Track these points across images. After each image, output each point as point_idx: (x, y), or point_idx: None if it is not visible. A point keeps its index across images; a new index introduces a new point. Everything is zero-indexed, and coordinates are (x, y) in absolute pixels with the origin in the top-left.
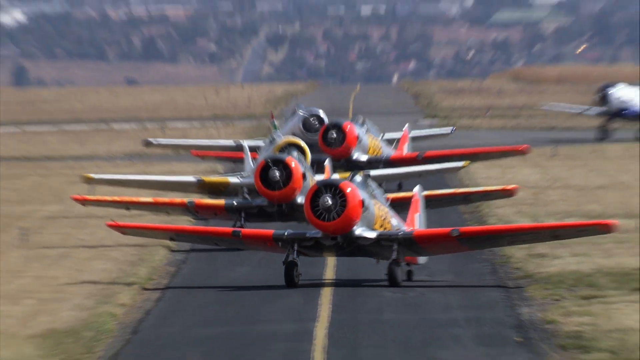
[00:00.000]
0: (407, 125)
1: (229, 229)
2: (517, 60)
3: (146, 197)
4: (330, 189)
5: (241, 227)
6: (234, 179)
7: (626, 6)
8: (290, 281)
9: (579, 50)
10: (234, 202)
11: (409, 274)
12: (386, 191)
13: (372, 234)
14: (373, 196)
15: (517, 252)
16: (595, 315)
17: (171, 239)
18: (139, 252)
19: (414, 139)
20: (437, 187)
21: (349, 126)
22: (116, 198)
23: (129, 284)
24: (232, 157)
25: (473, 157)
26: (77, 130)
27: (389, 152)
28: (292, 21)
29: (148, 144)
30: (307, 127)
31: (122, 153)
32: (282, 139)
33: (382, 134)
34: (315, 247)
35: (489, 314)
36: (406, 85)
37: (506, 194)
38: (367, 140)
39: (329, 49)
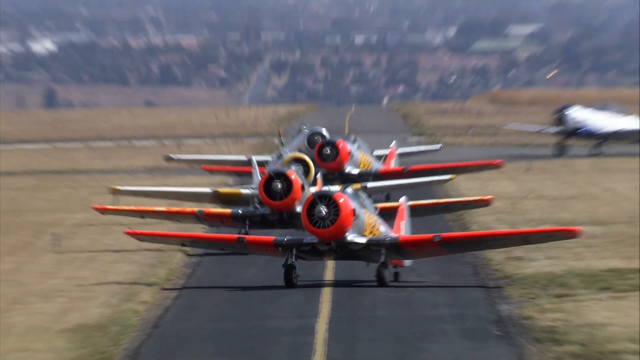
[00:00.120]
0: (394, 142)
1: (235, 236)
2: (494, 84)
3: (160, 207)
4: (324, 199)
5: (246, 233)
6: (245, 190)
7: (591, 37)
8: (290, 282)
9: (549, 75)
10: (239, 211)
11: (396, 275)
12: (375, 201)
13: (362, 240)
14: (363, 206)
15: (497, 256)
16: (567, 312)
17: (182, 245)
18: (158, 256)
19: (408, 154)
20: (424, 197)
21: (341, 143)
22: (132, 207)
23: (150, 284)
24: (238, 171)
25: (452, 170)
26: (102, 147)
27: (377, 166)
28: (293, 50)
29: (169, 159)
30: (311, 144)
31: (143, 167)
32: (289, 154)
33: (372, 150)
34: (312, 252)
35: (472, 310)
36: (396, 106)
37: (483, 203)
38: (358, 156)
39: (327, 74)
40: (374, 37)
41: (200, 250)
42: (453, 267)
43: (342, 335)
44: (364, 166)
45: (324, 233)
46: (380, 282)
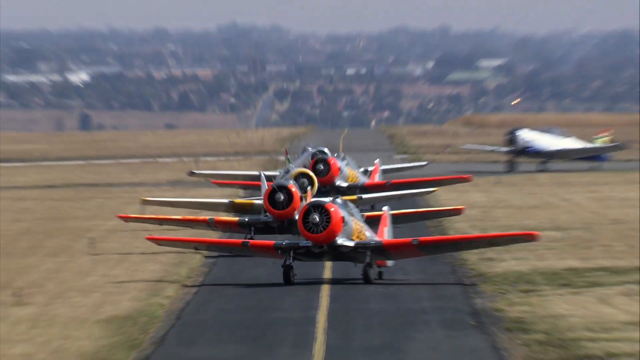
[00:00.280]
0: (377, 160)
1: (240, 240)
2: (466, 109)
3: (176, 216)
4: (317, 208)
5: (251, 238)
6: (257, 201)
7: (550, 69)
8: (288, 280)
9: (514, 102)
10: (246, 219)
11: (380, 274)
12: (362, 211)
13: (350, 243)
14: (351, 214)
15: (472, 257)
16: (533, 305)
17: (195, 249)
18: (180, 257)
19: (397, 169)
20: (406, 207)
21: (332, 160)
22: (152, 216)
23: (173, 281)
24: (245, 185)
25: (429, 184)
26: (130, 163)
27: (364, 180)
28: (293, 80)
29: (192, 174)
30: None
31: (165, 180)
32: (295, 169)
33: (358, 166)
34: (307, 254)
35: (451, 304)
36: (382, 128)
37: (456, 212)
38: (347, 171)
39: (322, 101)
40: (363, 69)
41: (215, 253)
42: (434, 267)
43: (339, 325)
44: (352, 180)
45: (317, 237)
46: (366, 280)
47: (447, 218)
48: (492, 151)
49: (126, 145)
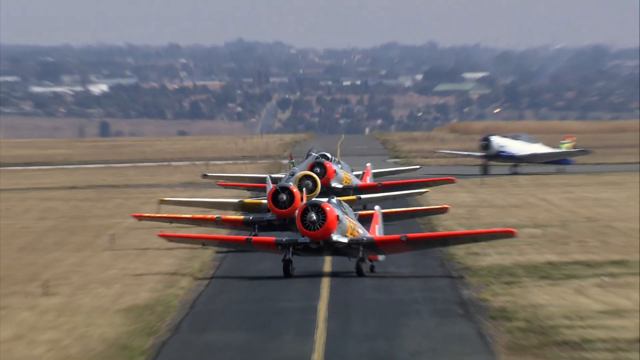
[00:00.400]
0: (369, 164)
1: (243, 237)
2: (452, 118)
3: (186, 214)
4: (314, 208)
5: (255, 235)
6: (265, 201)
7: (528, 81)
8: (287, 273)
9: (496, 111)
10: (250, 217)
11: (372, 267)
12: (355, 210)
13: (344, 240)
14: (345, 213)
15: (459, 251)
16: (515, 295)
17: (203, 245)
18: (193, 252)
19: (392, 172)
20: (396, 206)
21: (328, 164)
22: (163, 215)
23: (187, 274)
24: (249, 187)
25: (416, 185)
26: (147, 166)
27: (356, 182)
28: (294, 90)
29: (205, 176)
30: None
31: (179, 182)
32: (300, 172)
33: (351, 169)
34: (305, 249)
35: (440, 294)
36: (376, 135)
37: (441, 211)
38: (341, 174)
39: (321, 110)
40: (358, 81)
41: (225, 248)
42: (424, 261)
43: (338, 314)
44: (346, 182)
45: (314, 234)
46: (359, 273)
47: (436, 216)
48: (468, 156)
49: (142, 150)
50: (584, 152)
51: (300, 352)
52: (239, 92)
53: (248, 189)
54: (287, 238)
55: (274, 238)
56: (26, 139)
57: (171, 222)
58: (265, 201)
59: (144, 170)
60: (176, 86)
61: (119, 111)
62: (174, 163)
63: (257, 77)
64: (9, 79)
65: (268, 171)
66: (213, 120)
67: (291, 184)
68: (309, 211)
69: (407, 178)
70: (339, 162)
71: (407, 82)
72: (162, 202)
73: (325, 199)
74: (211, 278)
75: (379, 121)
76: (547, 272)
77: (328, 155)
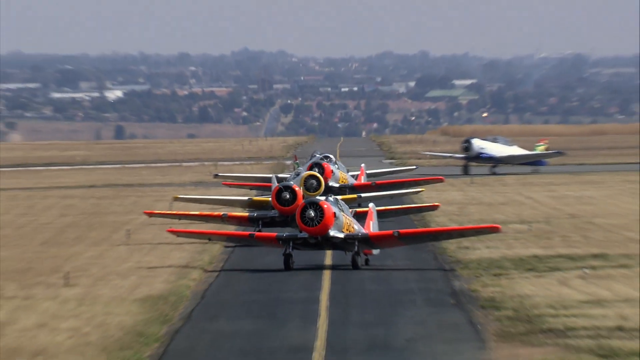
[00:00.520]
0: (363, 164)
1: (247, 233)
2: (443, 121)
3: (194, 211)
4: (313, 205)
5: (259, 231)
6: None
7: (513, 88)
8: (287, 266)
9: (484, 115)
10: (255, 214)
11: (366, 261)
12: (351, 207)
13: (341, 235)
14: (341, 210)
15: (450, 246)
16: (503, 286)
17: (209, 239)
18: (203, 246)
19: (389, 173)
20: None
21: (326, 165)
22: (172, 212)
23: (197, 267)
24: (252, 186)
25: (407, 184)
26: (159, 166)
27: (352, 181)
28: (296, 96)
29: (216, 176)
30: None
31: (190, 181)
32: (306, 172)
33: (347, 170)
34: (304, 244)
35: (434, 285)
36: (372, 137)
37: (432, 208)
38: (338, 174)
39: (321, 114)
40: (355, 88)
41: (232, 243)
42: (419, 255)
43: (339, 304)
44: (342, 181)
45: (313, 230)
46: (354, 266)
47: (430, 213)
48: (450, 157)
49: (155, 152)
50: (558, 153)
51: (304, 338)
52: (244, 97)
53: (251, 188)
54: (288, 233)
55: (275, 234)
56: (47, 141)
57: (179, 219)
58: None
59: (157, 170)
60: (186, 92)
61: (133, 115)
62: (184, 164)
63: (262, 84)
64: (31, 85)
65: (272, 171)
66: (220, 124)
67: (293, 183)
68: (307, 209)
69: (399, 178)
70: (335, 163)
71: (401, 89)
72: (177, 199)
73: (323, 197)
74: (220, 271)
75: (375, 125)
76: (532, 265)
77: (331, 156)
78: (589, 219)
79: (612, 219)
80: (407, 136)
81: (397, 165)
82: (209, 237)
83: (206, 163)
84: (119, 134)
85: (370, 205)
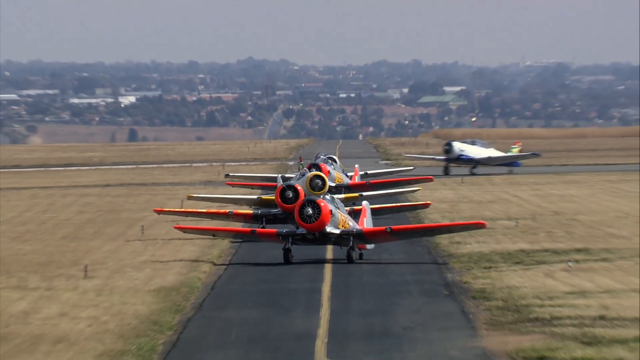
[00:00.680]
0: (357, 165)
1: (249, 229)
2: (435, 125)
3: (201, 209)
4: (310, 203)
5: (263, 227)
6: None
7: (500, 94)
8: (287, 260)
9: (472, 120)
10: (259, 211)
11: (361, 255)
12: (346, 205)
13: (337, 231)
14: (337, 207)
15: (443, 241)
16: (492, 278)
17: (213, 235)
18: (212, 241)
19: (386, 173)
20: (384, 203)
21: (323, 165)
22: (180, 209)
23: (207, 260)
24: (254, 185)
25: (399, 183)
26: (171, 167)
27: (347, 180)
28: (297, 102)
29: (227, 176)
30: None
31: (199, 181)
32: (311, 173)
33: (342, 169)
34: (303, 239)
35: (428, 277)
36: (369, 140)
37: (424, 206)
38: (334, 174)
39: (320, 118)
40: (352, 94)
41: (239, 238)
42: (413, 249)
43: (339, 294)
44: (338, 180)
45: (310, 227)
46: (349, 260)
47: (423, 210)
48: (431, 159)
49: (166, 153)
50: (533, 155)
51: (307, 326)
52: (249, 103)
53: (252, 187)
54: (287, 230)
55: (275, 230)
56: (65, 143)
57: (186, 216)
58: None
59: (168, 170)
60: (195, 98)
61: (145, 119)
62: (194, 164)
63: (265, 90)
64: (50, 91)
65: (277, 171)
66: (227, 128)
67: (297, 183)
68: (305, 206)
69: (392, 177)
70: (331, 163)
71: (395, 95)
72: (190, 197)
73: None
74: (228, 264)
75: (371, 128)
76: (520, 258)
77: (335, 157)
78: (572, 215)
79: (593, 216)
80: (401, 139)
81: (392, 166)
82: (213, 233)
83: (214, 164)
84: (132, 136)
85: (364, 203)
